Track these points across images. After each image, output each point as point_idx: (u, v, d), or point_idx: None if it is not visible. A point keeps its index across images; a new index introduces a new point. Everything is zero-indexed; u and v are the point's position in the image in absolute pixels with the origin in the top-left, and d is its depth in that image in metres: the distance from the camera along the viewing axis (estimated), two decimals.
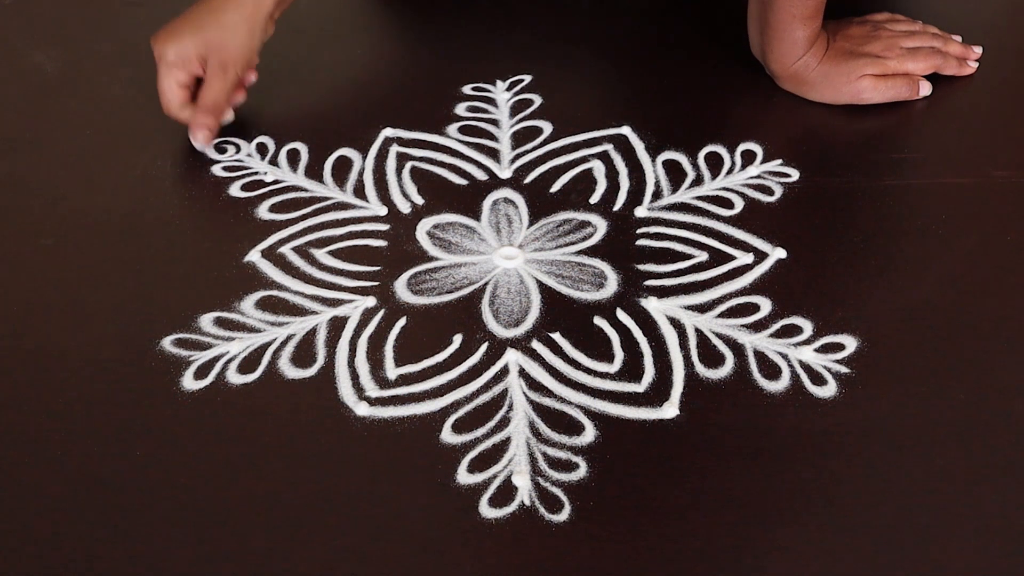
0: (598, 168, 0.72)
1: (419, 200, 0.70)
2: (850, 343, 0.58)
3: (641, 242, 0.66)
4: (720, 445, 0.53)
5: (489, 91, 0.80)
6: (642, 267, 0.64)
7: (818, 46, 0.75)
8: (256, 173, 0.72)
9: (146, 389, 0.57)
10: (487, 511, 0.50)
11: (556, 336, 0.59)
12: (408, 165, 0.73)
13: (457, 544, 0.49)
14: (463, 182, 0.71)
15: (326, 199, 0.70)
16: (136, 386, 0.57)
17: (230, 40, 0.70)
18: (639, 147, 0.73)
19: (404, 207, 0.69)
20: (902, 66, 0.76)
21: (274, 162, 0.73)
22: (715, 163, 0.72)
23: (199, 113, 0.71)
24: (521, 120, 0.77)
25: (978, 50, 0.80)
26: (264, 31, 0.73)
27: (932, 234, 0.65)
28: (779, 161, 0.72)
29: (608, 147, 0.74)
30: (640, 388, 0.56)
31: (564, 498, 0.51)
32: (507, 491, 0.51)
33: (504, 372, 0.57)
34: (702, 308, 0.61)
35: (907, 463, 0.52)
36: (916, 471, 0.51)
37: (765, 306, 0.61)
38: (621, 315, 0.61)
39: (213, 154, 0.73)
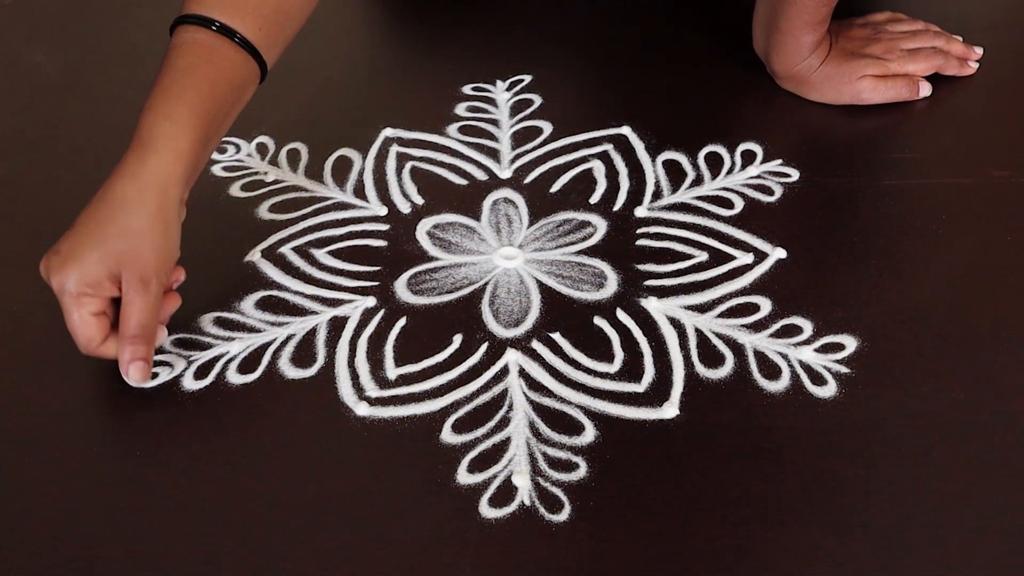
0: (598, 168, 0.72)
1: (419, 200, 0.70)
2: (850, 343, 0.58)
3: (641, 242, 0.66)
4: (720, 445, 0.53)
5: (489, 91, 0.80)
6: (642, 267, 0.64)
7: (821, 48, 0.75)
8: (256, 173, 0.72)
9: (146, 389, 0.57)
10: (487, 511, 0.50)
11: (556, 336, 0.59)
12: (408, 165, 0.73)
13: (457, 544, 0.49)
14: (463, 182, 0.71)
15: (326, 199, 0.70)
16: (136, 386, 0.57)
17: (145, 248, 0.55)
18: (639, 147, 0.73)
19: (404, 207, 0.69)
20: (903, 68, 0.76)
21: (274, 162, 0.73)
22: (715, 163, 0.72)
23: (127, 344, 0.55)
24: (521, 120, 0.77)
25: (979, 50, 0.80)
26: (178, 220, 0.58)
27: (932, 234, 0.65)
28: (779, 161, 0.72)
29: (608, 147, 0.74)
30: (640, 388, 0.56)
31: (564, 498, 0.51)
32: (507, 491, 0.51)
33: (504, 372, 0.57)
34: (702, 308, 0.61)
35: (907, 463, 0.52)
36: (916, 471, 0.51)
37: (765, 306, 0.61)
38: (621, 315, 0.60)
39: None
